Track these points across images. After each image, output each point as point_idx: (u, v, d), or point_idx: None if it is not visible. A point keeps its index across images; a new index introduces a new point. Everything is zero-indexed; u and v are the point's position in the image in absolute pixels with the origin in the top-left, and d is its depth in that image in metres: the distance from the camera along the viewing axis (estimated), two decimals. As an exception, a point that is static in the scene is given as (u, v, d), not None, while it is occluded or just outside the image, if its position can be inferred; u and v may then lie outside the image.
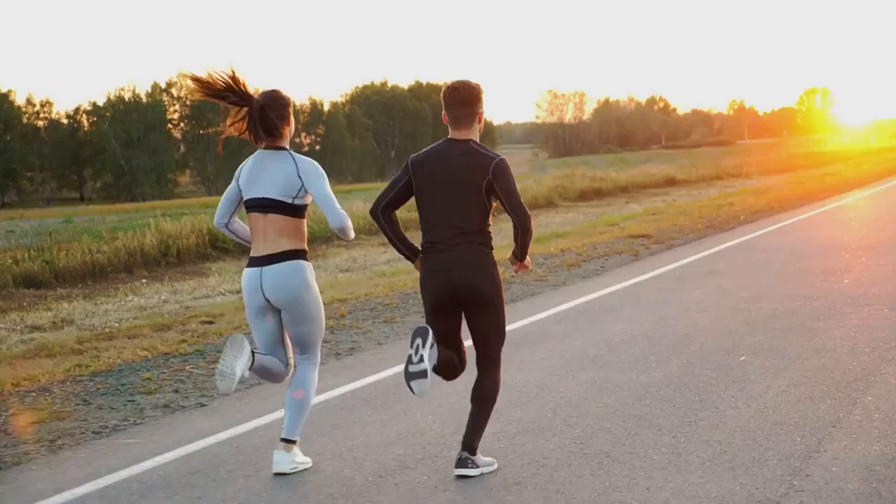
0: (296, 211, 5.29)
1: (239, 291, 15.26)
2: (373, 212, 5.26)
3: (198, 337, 9.50)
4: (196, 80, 5.34)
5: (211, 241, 22.06)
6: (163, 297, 14.82)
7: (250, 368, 5.15)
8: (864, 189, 27.89)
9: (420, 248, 5.25)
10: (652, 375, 7.07)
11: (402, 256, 5.38)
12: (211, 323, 10.49)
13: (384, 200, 5.23)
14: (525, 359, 7.88)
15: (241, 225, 5.59)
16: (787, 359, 7.31)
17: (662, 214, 22.35)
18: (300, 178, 5.25)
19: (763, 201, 23.80)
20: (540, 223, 24.77)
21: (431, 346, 4.94)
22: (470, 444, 5.13)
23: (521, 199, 5.11)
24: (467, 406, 5.35)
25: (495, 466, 5.23)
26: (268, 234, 5.25)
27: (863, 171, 38.01)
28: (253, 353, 5.16)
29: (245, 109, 5.36)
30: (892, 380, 6.56)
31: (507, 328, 5.43)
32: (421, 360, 4.90)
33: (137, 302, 14.48)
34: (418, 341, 4.92)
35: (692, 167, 47.55)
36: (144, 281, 17.74)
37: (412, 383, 4.96)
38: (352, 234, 5.41)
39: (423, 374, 4.92)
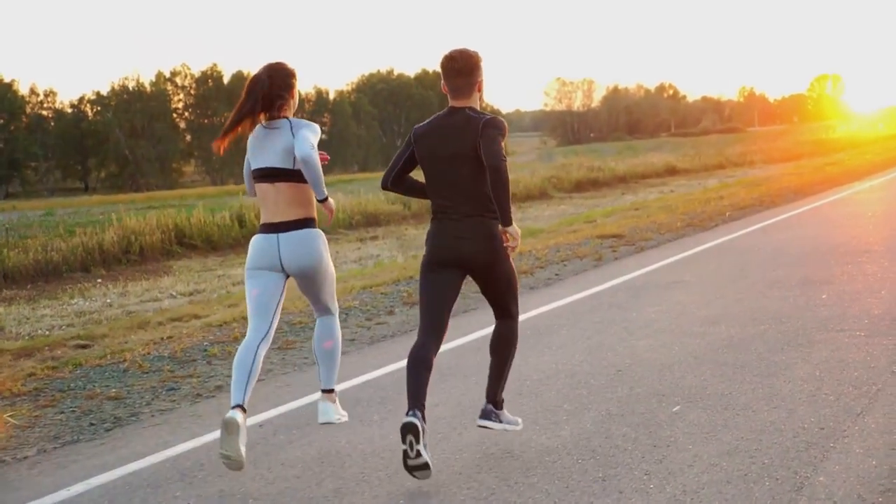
0: (301, 177, 5.28)
1: (192, 293, 14.01)
2: (383, 185, 5.35)
3: (51, 369, 8.06)
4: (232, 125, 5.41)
5: (177, 237, 20.96)
6: (108, 300, 13.60)
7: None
8: (865, 181, 26.23)
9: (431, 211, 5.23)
10: (556, 435, 5.60)
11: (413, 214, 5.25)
12: (85, 347, 9.05)
13: (391, 174, 5.30)
14: (413, 406, 6.40)
15: None
16: (730, 411, 5.83)
17: (646, 209, 20.86)
18: (293, 135, 5.24)
19: (755, 194, 22.24)
20: (528, 216, 23.34)
21: (424, 435, 4.74)
22: (493, 395, 5.31)
23: (500, 148, 4.94)
24: (307, 480, 4.86)
25: (520, 426, 5.47)
26: (279, 202, 5.29)
27: (866, 160, 36.24)
28: (242, 408, 5.07)
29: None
30: (856, 446, 5.06)
31: None
32: (419, 454, 4.70)
33: (80, 306, 13.25)
34: (410, 438, 4.70)
35: (695, 156, 46.18)
36: (100, 281, 16.57)
37: (415, 474, 4.79)
38: (314, 170, 5.17)
39: (424, 466, 4.75)
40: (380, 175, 5.78)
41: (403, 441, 4.72)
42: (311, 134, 5.30)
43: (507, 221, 4.96)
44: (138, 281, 16.00)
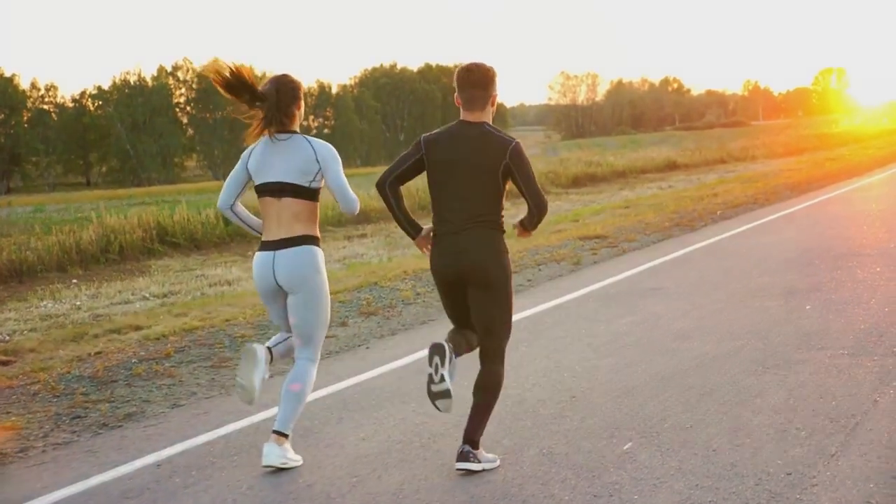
0: (311, 194, 5.25)
1: (166, 295, 13.34)
2: (380, 184, 5.18)
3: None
4: (217, 74, 5.26)
5: (159, 235, 20.25)
6: (78, 303, 12.90)
7: (270, 363, 5.25)
8: (864, 177, 25.40)
9: (431, 227, 5.19)
10: (487, 480, 4.88)
11: (403, 233, 5.36)
12: (5, 364, 8.33)
13: (393, 174, 5.16)
14: (335, 439, 5.72)
15: (244, 209, 5.48)
16: (687, 449, 5.12)
17: (636, 207, 20.10)
18: (318, 162, 5.22)
19: (750, 191, 21.48)
20: (522, 213, 22.41)
21: (451, 362, 4.89)
22: (471, 437, 5.01)
23: (538, 185, 5.06)
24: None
25: (498, 463, 5.09)
26: (282, 218, 5.21)
27: (867, 155, 35.35)
28: (269, 350, 5.25)
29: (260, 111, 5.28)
30: (825, 498, 4.36)
31: (356, 379, 5.95)
32: (442, 379, 4.84)
33: (48, 308, 12.55)
34: (436, 360, 4.86)
35: (696, 150, 45.36)
36: (75, 282, 15.89)
37: (436, 403, 4.94)
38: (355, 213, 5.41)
39: (446, 394, 4.87)
40: (382, 170, 5.39)
41: (430, 364, 4.87)
42: (340, 168, 5.32)
43: (532, 229, 5.31)
44: (114, 281, 15.30)
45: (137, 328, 9.64)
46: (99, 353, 8.49)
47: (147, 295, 13.43)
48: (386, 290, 11.01)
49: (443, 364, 4.82)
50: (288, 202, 5.22)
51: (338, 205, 5.30)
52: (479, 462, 4.98)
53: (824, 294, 9.01)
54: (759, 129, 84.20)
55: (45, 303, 13.27)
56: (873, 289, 9.10)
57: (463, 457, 4.96)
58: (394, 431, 5.81)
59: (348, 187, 5.28)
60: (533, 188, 5.04)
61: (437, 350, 4.88)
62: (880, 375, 6.24)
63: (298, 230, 5.22)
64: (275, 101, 5.24)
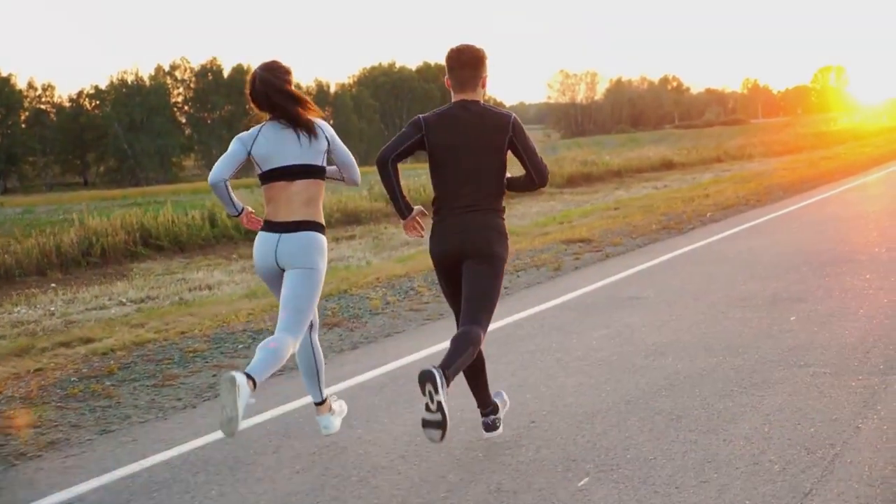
0: (322, 173, 5.30)
1: (143, 300, 12.89)
2: (383, 161, 5.11)
3: None
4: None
5: (142, 237, 19.78)
6: (52, 308, 12.43)
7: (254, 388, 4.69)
8: (860, 176, 24.84)
9: (421, 209, 5.26)
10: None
11: (394, 211, 5.34)
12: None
13: (395, 151, 5.11)
14: (267, 472, 5.22)
15: (231, 188, 5.31)
16: (648, 486, 4.62)
17: (625, 209, 19.59)
18: (327, 140, 5.28)
19: (742, 192, 20.95)
20: (514, 213, 22.00)
21: (444, 387, 4.53)
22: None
23: (540, 156, 5.13)
24: None
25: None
26: (293, 202, 5.18)
27: (864, 154, 34.79)
28: (248, 375, 4.67)
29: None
30: (796, 548, 3.84)
31: (304, 400, 5.58)
32: (439, 407, 4.48)
33: (21, 315, 12.09)
34: (429, 388, 4.50)
35: (692, 149, 44.87)
36: (53, 286, 15.43)
37: (426, 431, 4.58)
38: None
39: (438, 424, 4.51)
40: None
41: (423, 393, 4.53)
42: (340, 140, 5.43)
43: None
44: (93, 286, 14.86)
45: (88, 341, 9.15)
46: (39, 369, 7.99)
47: (124, 300, 12.99)
48: (355, 299, 10.53)
49: (436, 391, 4.48)
50: (301, 184, 5.19)
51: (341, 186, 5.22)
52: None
53: (810, 304, 8.51)
54: (757, 128, 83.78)
55: (18, 308, 12.84)
56: (862, 298, 8.61)
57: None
58: (332, 463, 5.31)
59: (353, 158, 5.46)
60: (536, 160, 5.12)
61: (426, 377, 4.50)
62: (864, 398, 5.75)
63: (308, 215, 5.20)
64: (276, 88, 5.19)
